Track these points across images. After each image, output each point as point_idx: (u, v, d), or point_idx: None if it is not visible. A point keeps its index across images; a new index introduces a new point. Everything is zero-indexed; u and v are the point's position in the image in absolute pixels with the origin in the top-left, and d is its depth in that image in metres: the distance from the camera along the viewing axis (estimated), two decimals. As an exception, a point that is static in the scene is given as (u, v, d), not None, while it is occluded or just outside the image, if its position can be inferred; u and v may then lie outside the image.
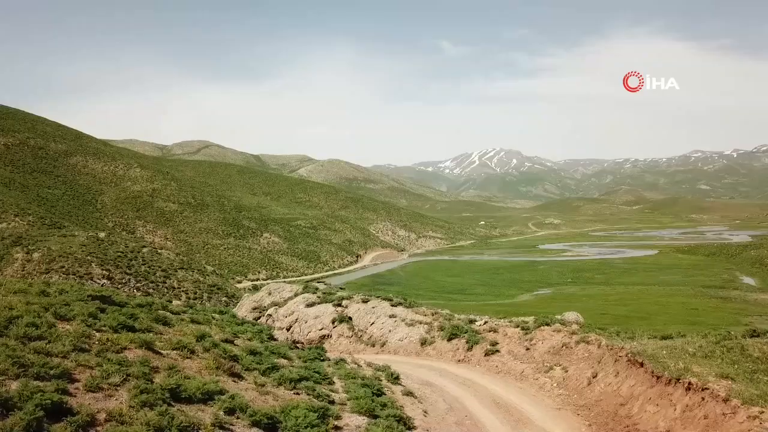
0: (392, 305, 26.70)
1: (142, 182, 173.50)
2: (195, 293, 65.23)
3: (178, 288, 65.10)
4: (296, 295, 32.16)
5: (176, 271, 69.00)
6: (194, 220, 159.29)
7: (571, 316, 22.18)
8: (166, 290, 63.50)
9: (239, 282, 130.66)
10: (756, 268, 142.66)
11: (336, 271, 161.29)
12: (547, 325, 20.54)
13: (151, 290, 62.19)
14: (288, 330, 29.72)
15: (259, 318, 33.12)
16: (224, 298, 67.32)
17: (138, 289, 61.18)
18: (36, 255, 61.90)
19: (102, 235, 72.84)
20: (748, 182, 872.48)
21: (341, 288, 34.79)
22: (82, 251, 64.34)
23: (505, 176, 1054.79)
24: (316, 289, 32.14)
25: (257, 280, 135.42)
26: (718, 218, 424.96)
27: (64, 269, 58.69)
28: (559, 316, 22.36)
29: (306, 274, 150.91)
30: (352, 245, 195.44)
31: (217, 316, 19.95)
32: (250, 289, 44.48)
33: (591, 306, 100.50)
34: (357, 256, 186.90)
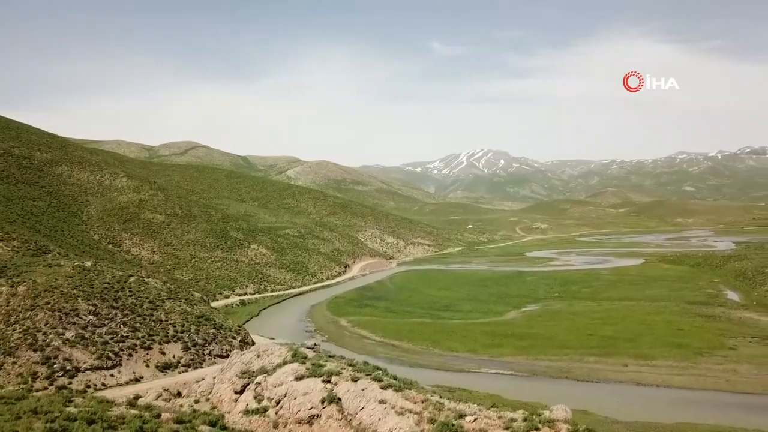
0: (382, 388, 26.70)
1: (129, 192, 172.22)
2: (182, 326, 64.68)
3: (166, 321, 64.52)
4: (285, 363, 32.13)
5: (163, 302, 68.41)
6: (181, 231, 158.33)
7: (559, 413, 22.33)
8: (153, 323, 62.92)
9: (227, 297, 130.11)
10: (740, 282, 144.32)
11: (324, 283, 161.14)
12: (537, 430, 20.70)
13: (138, 324, 61.62)
14: (278, 404, 29.69)
15: (248, 385, 33.07)
16: (212, 330, 66.84)
17: (125, 323, 60.62)
18: (21, 288, 61.18)
19: (88, 264, 72.07)
20: (732, 183, 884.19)
21: (330, 356, 34.72)
22: (68, 284, 63.64)
23: (493, 177, 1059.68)
24: (305, 358, 32.09)
25: (245, 294, 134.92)
26: (703, 221, 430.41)
27: (49, 305, 58.05)
28: (547, 413, 22.54)
29: (294, 287, 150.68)
30: (340, 255, 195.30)
31: (205, 429, 19.86)
32: (239, 352, 44.17)
33: (578, 325, 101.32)
34: (345, 266, 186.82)
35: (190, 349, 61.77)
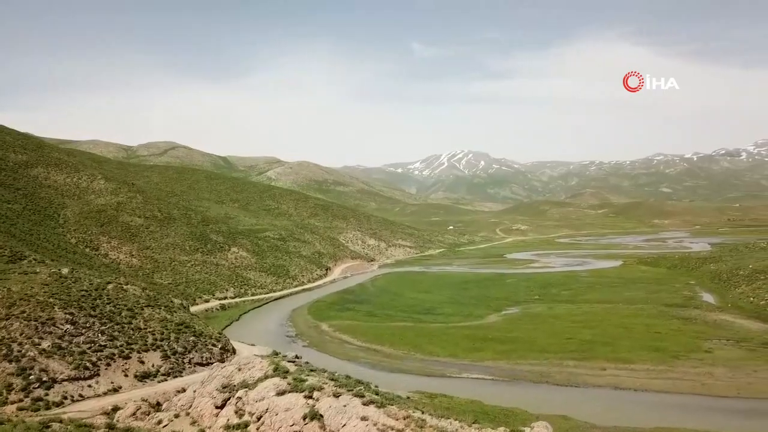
0: (364, 404, 26.70)
1: (107, 195, 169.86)
2: (162, 334, 63.94)
3: (145, 329, 63.70)
4: (266, 377, 31.97)
5: (142, 310, 67.58)
6: (160, 235, 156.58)
7: (540, 430, 22.54)
8: (131, 332, 62.07)
9: (207, 301, 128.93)
10: (715, 284, 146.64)
11: (305, 286, 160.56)
12: (517, 448, 20.87)
13: (116, 333, 60.74)
14: (259, 420, 29.53)
15: (229, 399, 32.84)
16: (192, 338, 66.19)
17: (103, 332, 59.71)
18: (-5, 297, 60.04)
19: (65, 271, 70.92)
20: (707, 185, 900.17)
21: (311, 370, 34.64)
22: (44, 292, 62.55)
23: (474, 178, 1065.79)
24: (287, 372, 31.95)
25: (225, 298, 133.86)
26: (680, 223, 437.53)
27: (25, 315, 56.93)
28: (528, 430, 22.72)
29: (275, 291, 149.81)
30: (321, 257, 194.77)
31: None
32: (220, 365, 43.82)
33: (557, 329, 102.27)
34: (327, 269, 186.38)
35: (169, 357, 61.09)
